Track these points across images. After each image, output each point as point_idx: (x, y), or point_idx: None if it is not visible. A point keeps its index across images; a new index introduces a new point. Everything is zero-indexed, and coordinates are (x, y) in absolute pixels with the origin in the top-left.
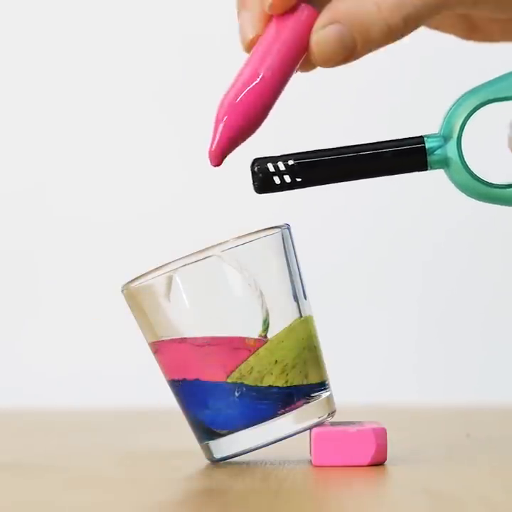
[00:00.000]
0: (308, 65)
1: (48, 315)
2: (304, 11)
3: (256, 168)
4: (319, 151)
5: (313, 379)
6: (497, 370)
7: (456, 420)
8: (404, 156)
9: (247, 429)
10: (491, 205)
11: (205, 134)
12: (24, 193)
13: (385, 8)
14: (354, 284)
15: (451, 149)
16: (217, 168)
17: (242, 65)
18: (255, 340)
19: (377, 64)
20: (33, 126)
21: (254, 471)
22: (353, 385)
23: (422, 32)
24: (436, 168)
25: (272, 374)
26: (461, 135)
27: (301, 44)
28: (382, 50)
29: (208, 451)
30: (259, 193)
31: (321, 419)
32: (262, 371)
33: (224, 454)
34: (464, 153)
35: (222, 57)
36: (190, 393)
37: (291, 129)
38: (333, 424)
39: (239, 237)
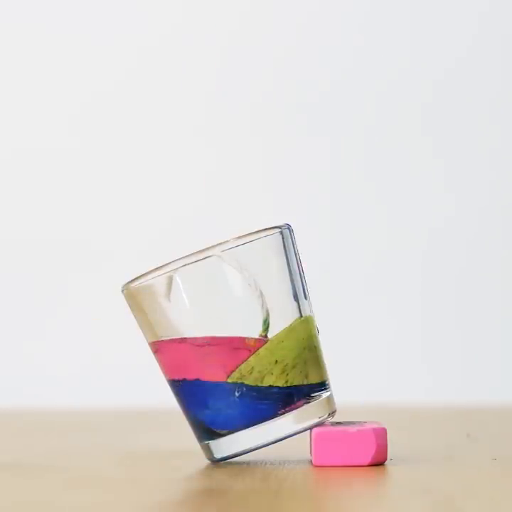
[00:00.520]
0: None
1: (48, 315)
2: None
3: None
4: None
5: (313, 379)
6: (497, 370)
7: (456, 420)
8: None
9: (247, 429)
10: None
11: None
12: (24, 193)
13: None
14: (354, 284)
15: None
16: (217, 168)
17: None
18: (255, 340)
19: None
20: (42, 129)
21: (254, 471)
22: (353, 385)
23: None
24: None
25: (272, 374)
26: None
27: None
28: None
29: (208, 451)
30: None
31: (321, 419)
32: (263, 371)
33: (224, 454)
34: None
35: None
36: (190, 393)
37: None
38: (333, 424)
39: (239, 237)
